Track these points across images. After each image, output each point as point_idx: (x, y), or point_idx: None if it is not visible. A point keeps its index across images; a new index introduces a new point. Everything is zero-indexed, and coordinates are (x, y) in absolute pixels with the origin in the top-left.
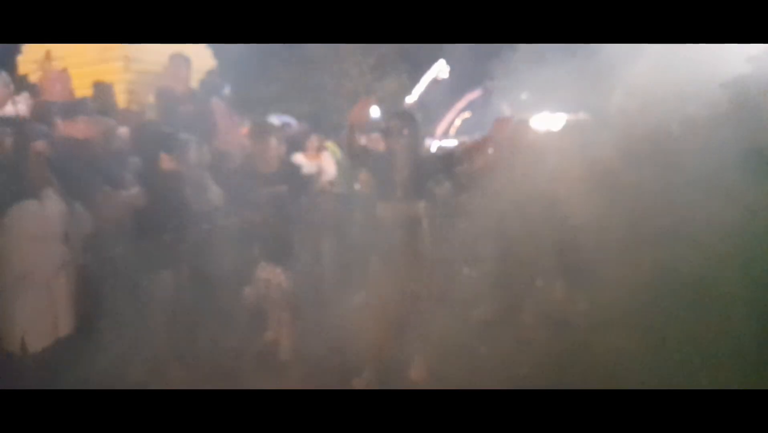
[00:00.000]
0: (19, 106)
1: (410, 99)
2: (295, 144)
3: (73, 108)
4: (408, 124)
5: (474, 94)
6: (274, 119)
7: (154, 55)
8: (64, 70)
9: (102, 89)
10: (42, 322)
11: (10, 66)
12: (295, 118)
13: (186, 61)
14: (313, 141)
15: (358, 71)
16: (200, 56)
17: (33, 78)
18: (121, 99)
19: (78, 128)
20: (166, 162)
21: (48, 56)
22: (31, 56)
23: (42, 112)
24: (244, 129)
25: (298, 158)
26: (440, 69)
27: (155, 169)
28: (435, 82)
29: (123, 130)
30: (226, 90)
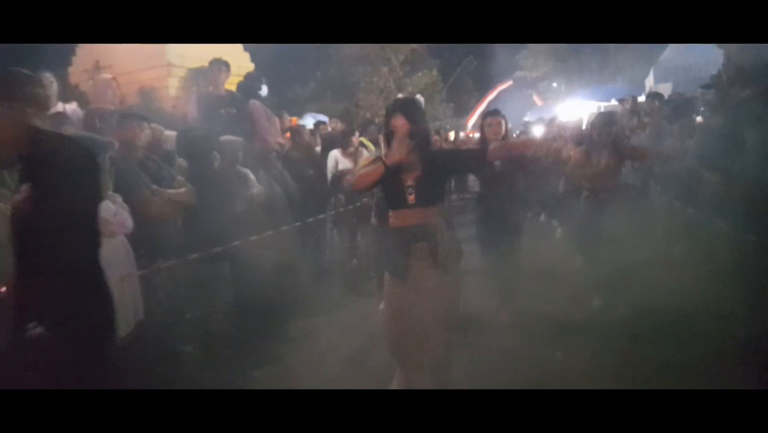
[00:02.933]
0: (68, 108)
1: (442, 95)
2: (333, 142)
3: (126, 115)
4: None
5: (504, 85)
6: (309, 118)
7: (196, 61)
8: (114, 78)
9: (147, 95)
10: (123, 312)
11: (62, 76)
12: (329, 116)
13: (225, 65)
14: (355, 139)
15: (389, 68)
16: (238, 59)
17: (83, 87)
18: (165, 104)
19: (130, 133)
20: (216, 162)
21: (96, 65)
22: (81, 66)
23: (93, 119)
24: (282, 127)
25: (335, 155)
26: (469, 63)
27: (204, 169)
28: (465, 74)
29: (169, 134)
30: (264, 91)
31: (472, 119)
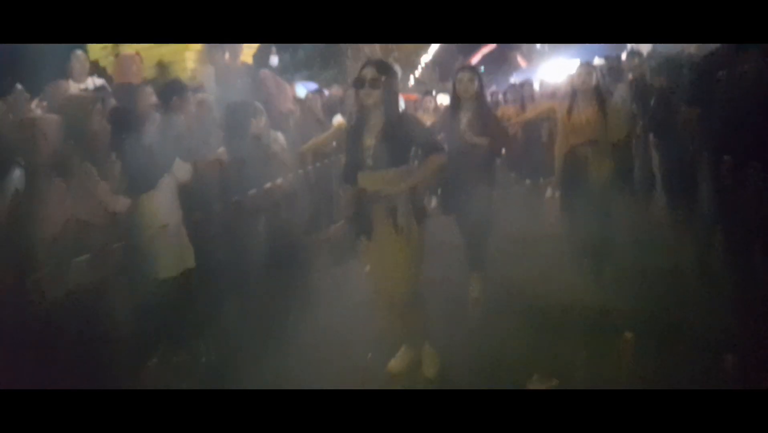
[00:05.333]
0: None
1: (426, 58)
2: (333, 107)
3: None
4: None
5: (488, 47)
6: (300, 87)
7: None
8: (138, 54)
9: (165, 69)
10: (175, 259)
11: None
12: (318, 83)
13: None
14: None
15: None
16: None
17: (103, 63)
18: (183, 76)
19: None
20: (252, 127)
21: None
22: (99, 44)
23: (121, 92)
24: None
25: (338, 119)
26: None
27: (239, 134)
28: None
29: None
30: (273, 61)
31: None
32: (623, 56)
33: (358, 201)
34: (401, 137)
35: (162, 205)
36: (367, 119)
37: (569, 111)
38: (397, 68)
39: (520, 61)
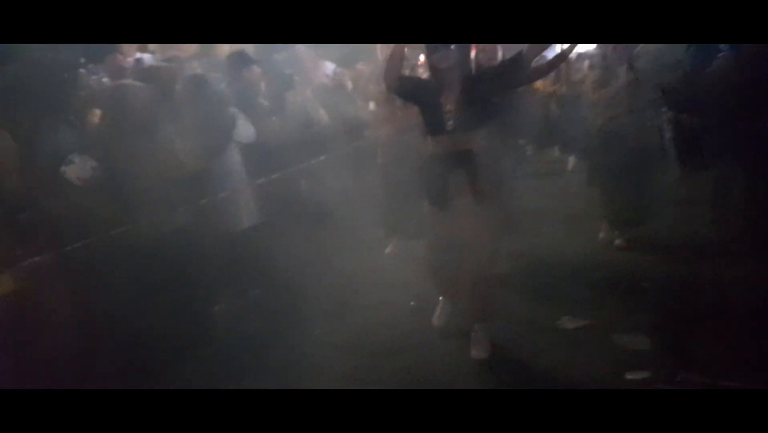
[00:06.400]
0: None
1: None
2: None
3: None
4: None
5: None
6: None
7: None
8: None
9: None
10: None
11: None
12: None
13: None
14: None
15: None
16: None
17: None
18: (221, 51)
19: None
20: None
21: None
22: None
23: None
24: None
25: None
26: None
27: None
28: None
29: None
30: None
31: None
32: None
33: (430, 167)
34: (481, 94)
35: (230, 163)
36: (442, 83)
37: (603, 76)
38: None
39: None
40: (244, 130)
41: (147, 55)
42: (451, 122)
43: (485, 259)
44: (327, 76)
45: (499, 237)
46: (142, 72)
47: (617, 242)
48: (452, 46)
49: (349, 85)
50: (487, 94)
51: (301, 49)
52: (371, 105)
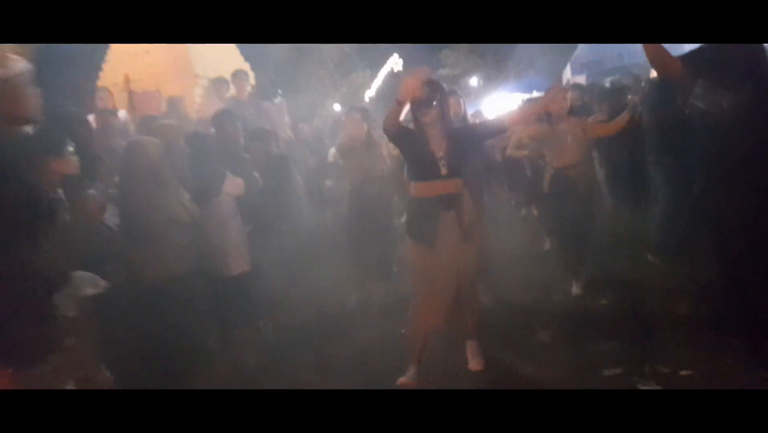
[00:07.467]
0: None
1: (370, 93)
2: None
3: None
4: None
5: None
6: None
7: (216, 73)
8: (158, 90)
9: (175, 103)
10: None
11: (91, 90)
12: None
13: (246, 75)
14: None
15: (325, 70)
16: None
17: (117, 97)
18: (190, 111)
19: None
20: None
21: (127, 79)
22: (110, 80)
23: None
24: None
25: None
26: (395, 62)
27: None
28: (392, 75)
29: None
30: (278, 99)
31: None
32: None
33: (421, 208)
34: (464, 145)
35: (225, 213)
36: (428, 134)
37: (551, 130)
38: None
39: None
40: (233, 182)
41: (123, 112)
42: (444, 168)
43: (472, 287)
44: (291, 129)
45: (484, 269)
46: (153, 128)
47: (574, 290)
48: (434, 102)
49: (310, 138)
50: (465, 145)
51: (268, 105)
52: (330, 155)
